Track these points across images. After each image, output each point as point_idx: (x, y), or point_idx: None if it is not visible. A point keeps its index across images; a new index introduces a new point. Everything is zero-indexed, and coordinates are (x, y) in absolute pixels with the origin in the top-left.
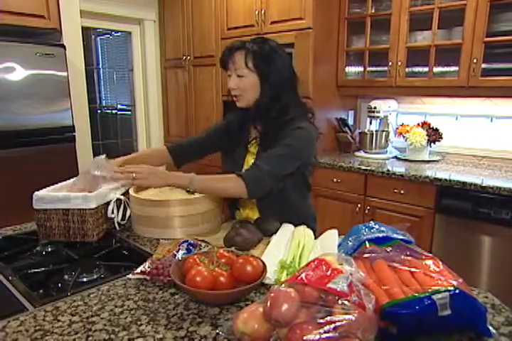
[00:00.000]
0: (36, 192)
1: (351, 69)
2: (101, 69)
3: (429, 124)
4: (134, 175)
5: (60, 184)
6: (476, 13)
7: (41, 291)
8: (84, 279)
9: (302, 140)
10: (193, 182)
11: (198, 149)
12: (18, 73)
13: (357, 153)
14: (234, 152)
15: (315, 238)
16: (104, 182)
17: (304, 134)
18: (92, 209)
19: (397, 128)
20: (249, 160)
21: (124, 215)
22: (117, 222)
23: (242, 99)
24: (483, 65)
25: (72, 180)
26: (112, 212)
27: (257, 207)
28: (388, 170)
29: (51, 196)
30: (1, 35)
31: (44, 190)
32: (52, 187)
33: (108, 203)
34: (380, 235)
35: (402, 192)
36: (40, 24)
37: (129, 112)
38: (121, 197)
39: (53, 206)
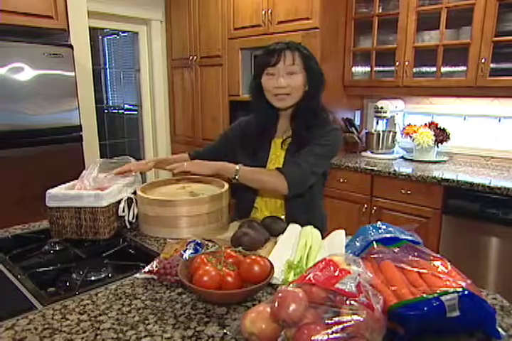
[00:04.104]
0: (49, 190)
1: (358, 69)
2: (108, 70)
3: (437, 124)
4: (185, 164)
5: (72, 182)
6: (484, 12)
7: (50, 290)
8: (92, 278)
9: (337, 141)
10: (239, 172)
11: (214, 156)
12: (26, 73)
13: (363, 153)
14: (255, 152)
15: (322, 238)
16: (108, 182)
17: (338, 136)
18: (104, 207)
19: (404, 129)
20: (275, 157)
21: (134, 214)
22: (128, 221)
23: (289, 98)
24: (492, 65)
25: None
26: (123, 211)
27: (285, 207)
28: (395, 171)
29: (64, 194)
30: (9, 36)
31: (57, 187)
32: (65, 185)
33: (119, 201)
34: (388, 236)
35: (408, 192)
36: (48, 24)
37: (136, 112)
38: (132, 196)
39: (66, 204)
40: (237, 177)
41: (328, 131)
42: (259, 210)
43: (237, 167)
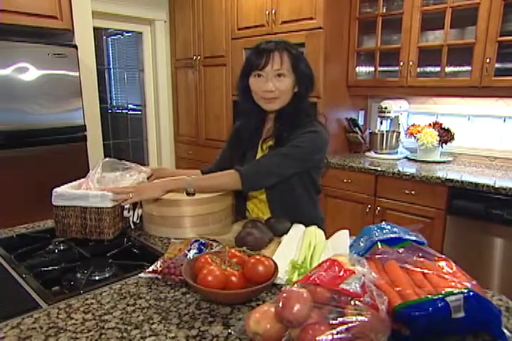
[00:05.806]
0: (56, 189)
1: (362, 69)
2: (112, 70)
3: (441, 124)
4: (130, 195)
5: (78, 181)
6: (489, 12)
7: (54, 289)
8: (97, 277)
9: (312, 143)
10: (191, 184)
11: (224, 163)
12: (31, 73)
13: (367, 154)
14: (245, 154)
15: (326, 239)
16: (114, 183)
17: (316, 138)
18: (110, 207)
19: (408, 129)
20: None
21: (138, 215)
22: (132, 222)
23: (278, 101)
24: (497, 65)
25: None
26: (128, 212)
27: (269, 208)
28: (399, 171)
29: (70, 193)
30: (14, 36)
31: (63, 186)
32: (71, 184)
33: None
34: (392, 236)
35: (412, 193)
36: (52, 25)
37: (139, 112)
38: None
39: (71, 203)
40: (191, 189)
41: (304, 133)
42: (251, 212)
43: (189, 178)
